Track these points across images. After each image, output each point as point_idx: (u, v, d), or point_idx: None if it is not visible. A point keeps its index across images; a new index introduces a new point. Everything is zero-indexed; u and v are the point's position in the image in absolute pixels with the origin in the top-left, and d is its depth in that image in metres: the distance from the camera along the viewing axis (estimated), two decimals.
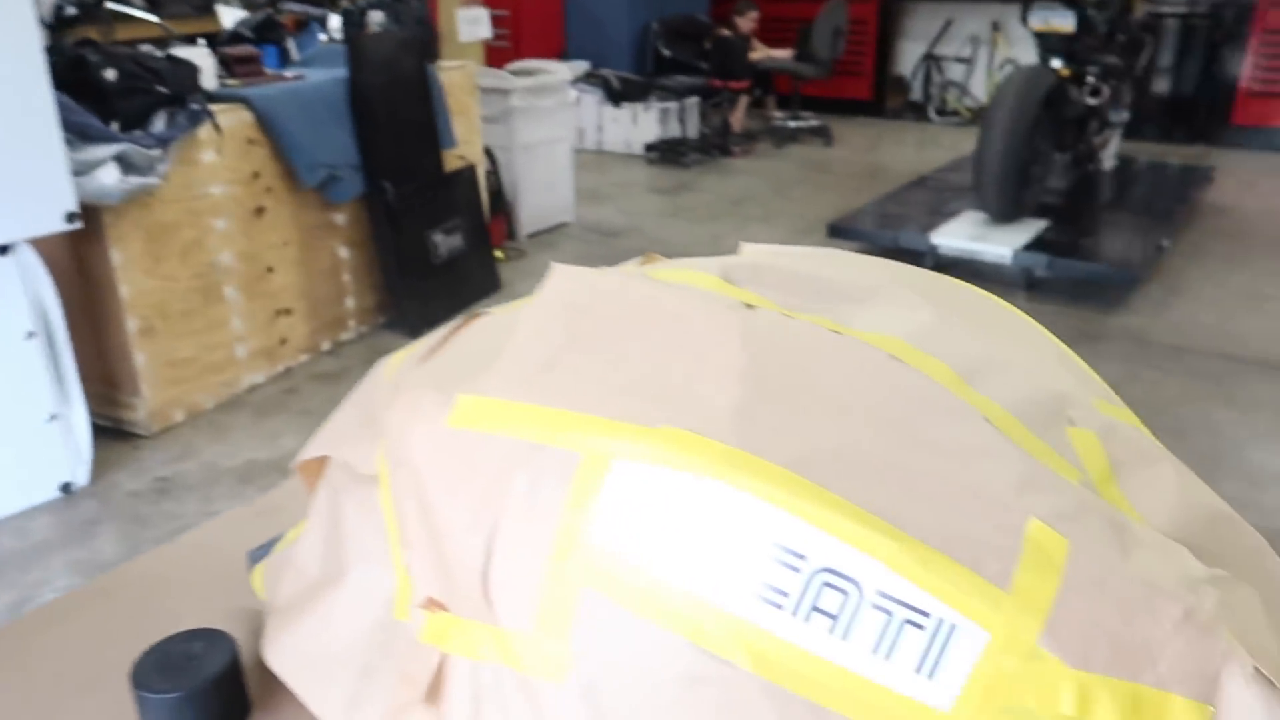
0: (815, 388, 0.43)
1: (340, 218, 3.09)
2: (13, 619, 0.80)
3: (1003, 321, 0.55)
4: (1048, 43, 3.90)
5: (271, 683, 0.65)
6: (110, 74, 2.37)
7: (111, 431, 2.54)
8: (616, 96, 5.89)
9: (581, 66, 5.79)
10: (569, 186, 4.41)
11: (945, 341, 0.48)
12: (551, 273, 0.51)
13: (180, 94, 2.49)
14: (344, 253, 3.13)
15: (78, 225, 2.19)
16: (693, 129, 5.94)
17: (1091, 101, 3.88)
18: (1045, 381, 0.48)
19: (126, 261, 2.43)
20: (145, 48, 2.88)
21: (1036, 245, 3.53)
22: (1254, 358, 3.02)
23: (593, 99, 5.91)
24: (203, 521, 2.19)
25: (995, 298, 0.58)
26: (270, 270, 2.87)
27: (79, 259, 2.43)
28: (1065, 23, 3.77)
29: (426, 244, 3.26)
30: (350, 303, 3.19)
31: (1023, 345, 0.52)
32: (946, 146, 6.13)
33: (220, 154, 2.62)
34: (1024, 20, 3.92)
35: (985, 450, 0.41)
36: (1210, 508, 0.46)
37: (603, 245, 4.30)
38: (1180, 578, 0.39)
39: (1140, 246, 3.63)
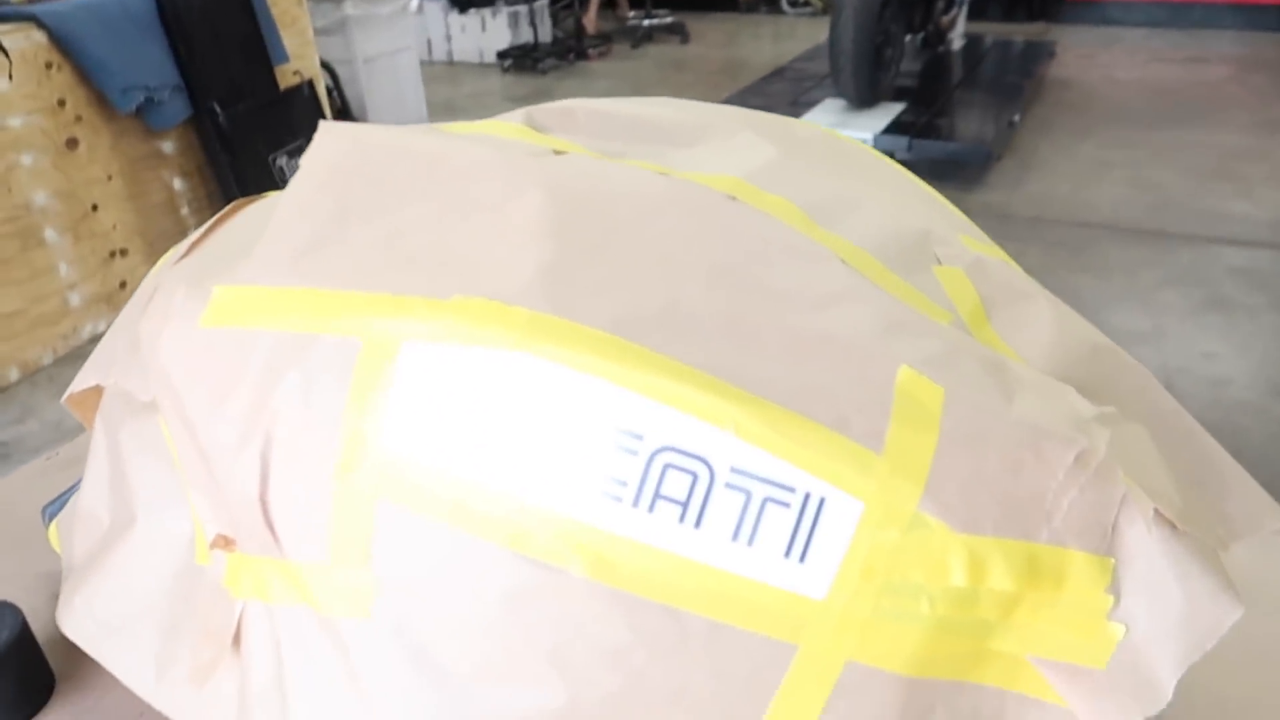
0: (637, 238, 0.36)
1: (169, 146, 2.84)
2: None
3: (854, 158, 0.49)
4: None
5: (77, 654, 0.56)
6: None
7: None
8: (461, 3, 5.61)
9: None
10: (420, 101, 4.19)
11: (791, 178, 0.41)
12: (318, 132, 0.42)
13: None
14: (178, 184, 2.89)
15: None
16: (545, 33, 5.72)
17: None
18: (906, 217, 0.42)
19: None
20: None
21: (895, 128, 3.54)
22: (1105, 223, 3.12)
23: (437, 6, 5.61)
24: None
25: (844, 136, 0.52)
26: (95, 209, 2.62)
27: None
28: None
29: (270, 168, 3.04)
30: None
31: (878, 181, 0.47)
32: (802, 38, 6.08)
33: (11, 80, 2.35)
34: None
35: (842, 294, 0.35)
36: (1090, 342, 0.42)
37: None
38: (1068, 419, 0.34)
39: (993, 124, 3.69)
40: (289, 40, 3.22)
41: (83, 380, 0.55)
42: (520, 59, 5.48)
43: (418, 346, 0.33)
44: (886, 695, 0.33)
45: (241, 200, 0.51)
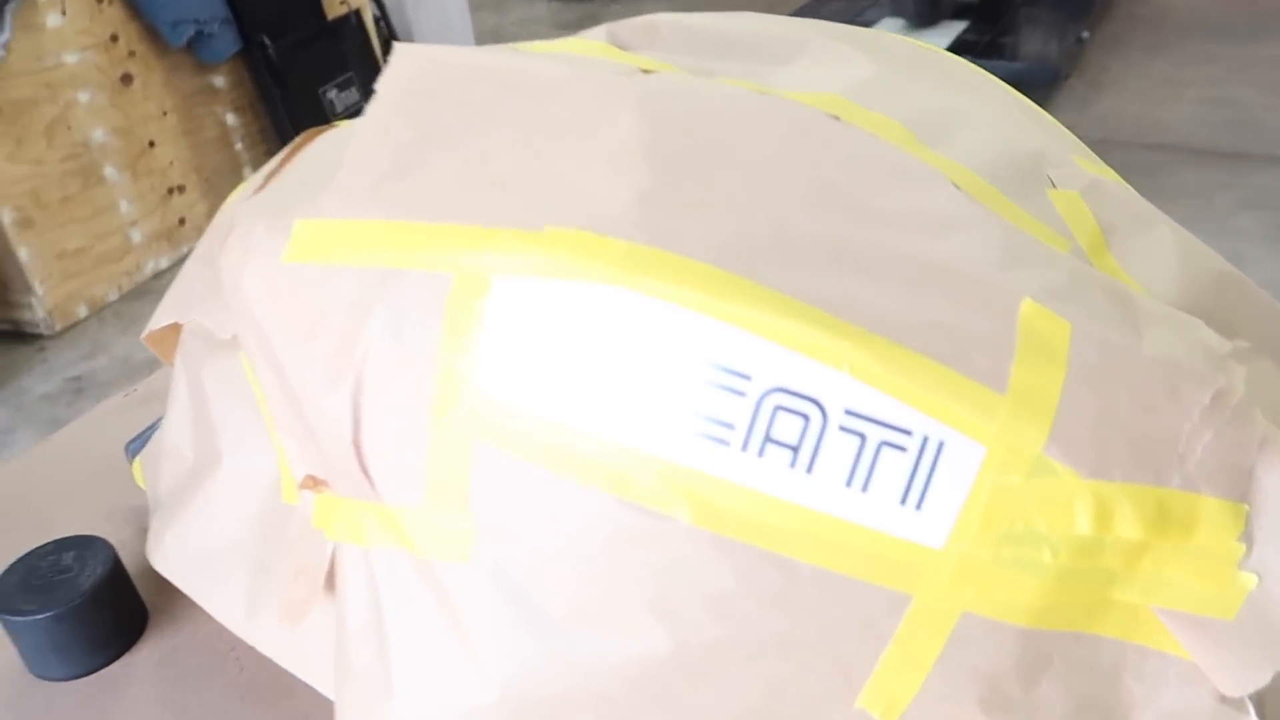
0: (737, 161, 0.33)
1: (220, 80, 2.84)
2: None
3: (955, 72, 0.46)
4: None
5: (168, 589, 0.57)
6: None
7: (10, 335, 2.37)
8: None
9: None
10: (467, 29, 4.13)
11: (894, 96, 0.39)
12: (393, 54, 0.40)
13: None
14: (231, 119, 2.90)
15: None
16: None
17: None
18: (1017, 137, 0.40)
19: None
20: None
21: (959, 48, 3.41)
22: (1178, 144, 3.00)
23: None
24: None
25: (942, 50, 0.49)
26: (152, 145, 2.64)
27: None
28: None
29: (321, 102, 3.03)
30: (247, 173, 2.98)
31: (983, 98, 0.44)
32: None
33: (65, 15, 2.35)
34: None
35: (956, 221, 0.33)
36: (1215, 269, 0.39)
37: None
38: (1202, 355, 0.32)
39: (1060, 41, 3.54)
40: None
41: (160, 318, 0.55)
42: None
43: (510, 281, 0.31)
44: (1003, 646, 0.31)
45: (314, 130, 0.49)
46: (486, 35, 4.37)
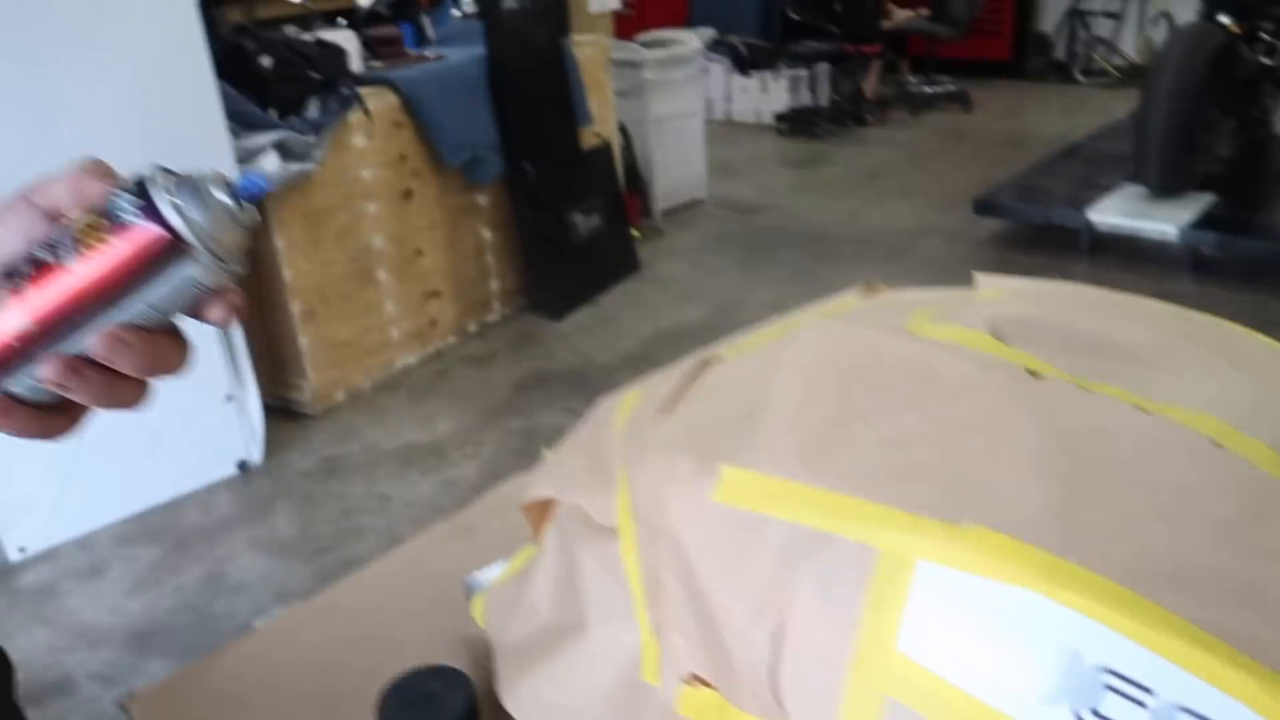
0: (1133, 482, 0.39)
1: (482, 199, 3.13)
2: (241, 634, 0.84)
3: None
4: None
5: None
6: (266, 61, 2.44)
7: (280, 411, 2.65)
8: (745, 64, 5.79)
9: (708, 34, 5.70)
10: (702, 161, 4.37)
11: (1262, 416, 0.43)
12: (800, 330, 0.48)
13: (331, 79, 2.55)
14: (487, 234, 3.18)
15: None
16: (824, 97, 5.79)
17: (1267, 61, 3.60)
18: None
19: (288, 246, 2.52)
20: (289, 29, 2.97)
21: (1204, 222, 3.31)
22: None
23: (720, 68, 5.82)
24: (369, 503, 2.26)
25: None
26: (419, 253, 2.93)
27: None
28: None
29: (567, 224, 3.27)
30: (494, 284, 3.24)
31: None
32: (1094, 111, 5.80)
33: (370, 138, 2.68)
34: None
35: None
36: None
37: (739, 222, 4.24)
38: None
39: None
40: (593, 103, 3.46)
41: (539, 490, 0.65)
42: (797, 122, 5.58)
43: (933, 567, 0.38)
44: None
45: (707, 356, 0.59)
46: (718, 166, 4.60)
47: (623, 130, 3.88)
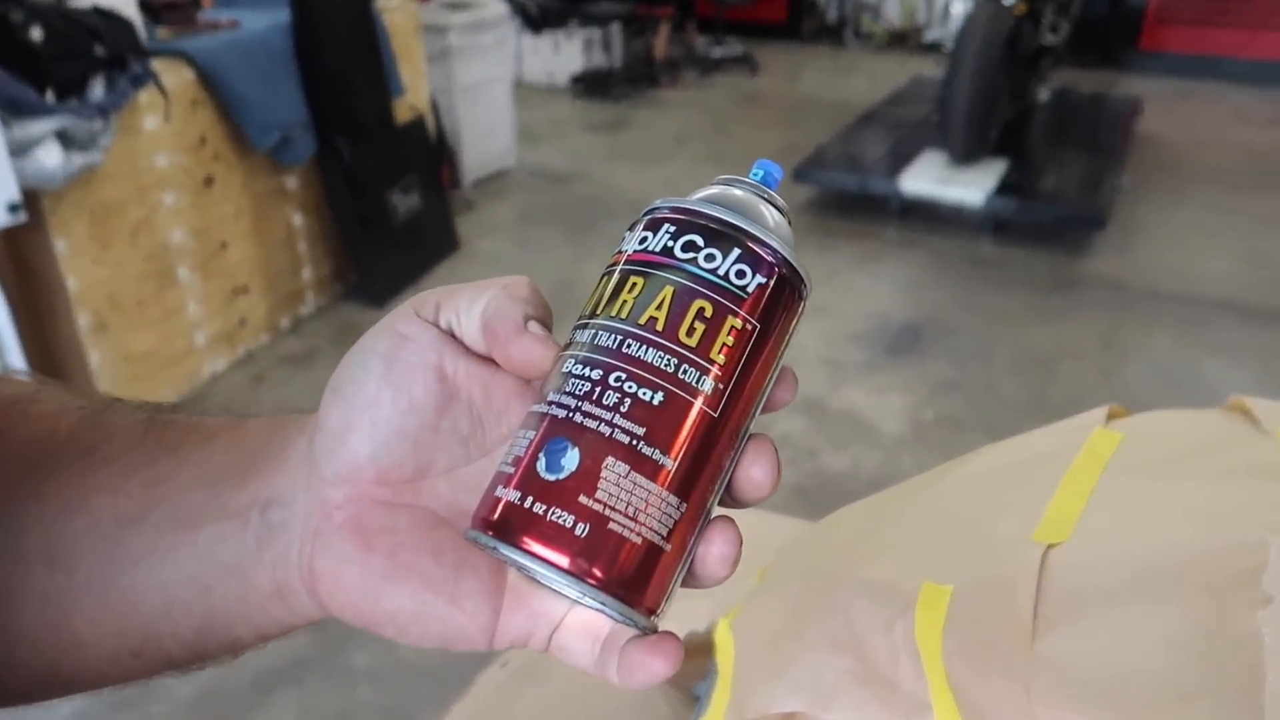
0: None
1: (292, 182, 2.80)
2: None
3: None
4: None
5: None
6: (37, 34, 2.03)
7: None
8: (536, 24, 5.57)
9: None
10: (510, 129, 4.15)
11: None
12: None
13: (119, 54, 2.16)
14: (298, 220, 2.85)
15: (22, 218, 1.89)
16: (618, 58, 5.68)
17: (1050, 39, 3.84)
18: None
19: (71, 250, 2.13)
20: None
21: (1003, 188, 3.51)
22: (1223, 300, 3.09)
23: (510, 28, 5.56)
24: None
25: None
26: (224, 246, 2.58)
27: (14, 250, 2.11)
28: None
29: (386, 204, 3.00)
30: (307, 273, 2.92)
31: None
32: (868, 74, 6.05)
33: (167, 120, 2.30)
34: None
35: None
36: None
37: (553, 193, 4.08)
38: None
39: (1097, 186, 3.65)
40: (404, 72, 3.18)
41: (780, 702, 0.51)
42: (593, 85, 5.44)
43: None
44: None
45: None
46: (520, 132, 4.39)
47: (432, 101, 3.60)
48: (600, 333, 0.31)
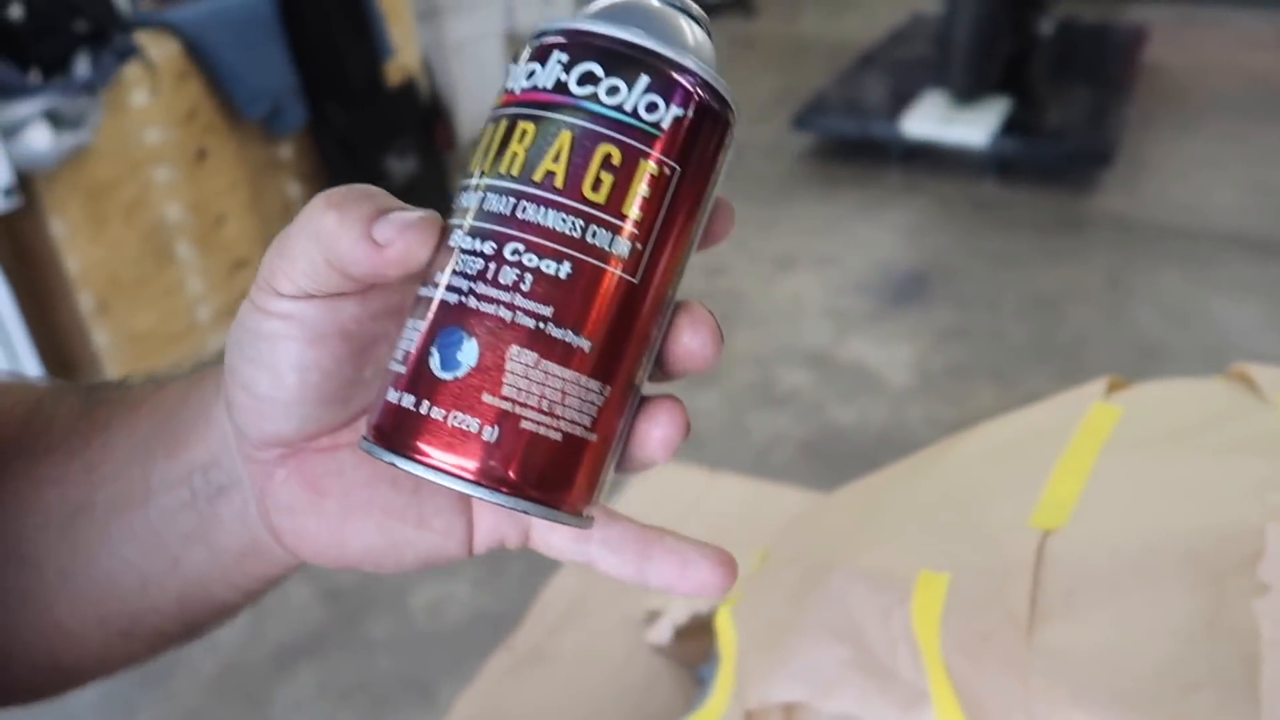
0: None
1: (286, 152, 2.78)
2: None
3: None
4: None
5: None
6: (17, 11, 2.00)
7: None
8: None
9: None
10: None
11: None
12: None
13: (102, 28, 2.13)
14: (294, 190, 2.83)
15: (16, 203, 1.88)
16: None
17: None
18: None
19: (69, 232, 2.12)
20: None
21: (1007, 128, 3.45)
22: (1231, 235, 3.06)
23: None
24: None
25: None
26: (222, 219, 2.57)
27: (12, 235, 2.10)
28: None
29: (382, 170, 2.97)
30: None
31: None
32: (866, 12, 5.93)
33: (155, 95, 2.27)
34: None
35: None
36: None
37: None
38: None
39: (1104, 120, 3.60)
40: (393, 33, 3.12)
41: (777, 691, 0.51)
42: None
43: None
44: None
45: None
46: None
47: (424, 61, 3.55)
48: (489, 196, 0.26)
